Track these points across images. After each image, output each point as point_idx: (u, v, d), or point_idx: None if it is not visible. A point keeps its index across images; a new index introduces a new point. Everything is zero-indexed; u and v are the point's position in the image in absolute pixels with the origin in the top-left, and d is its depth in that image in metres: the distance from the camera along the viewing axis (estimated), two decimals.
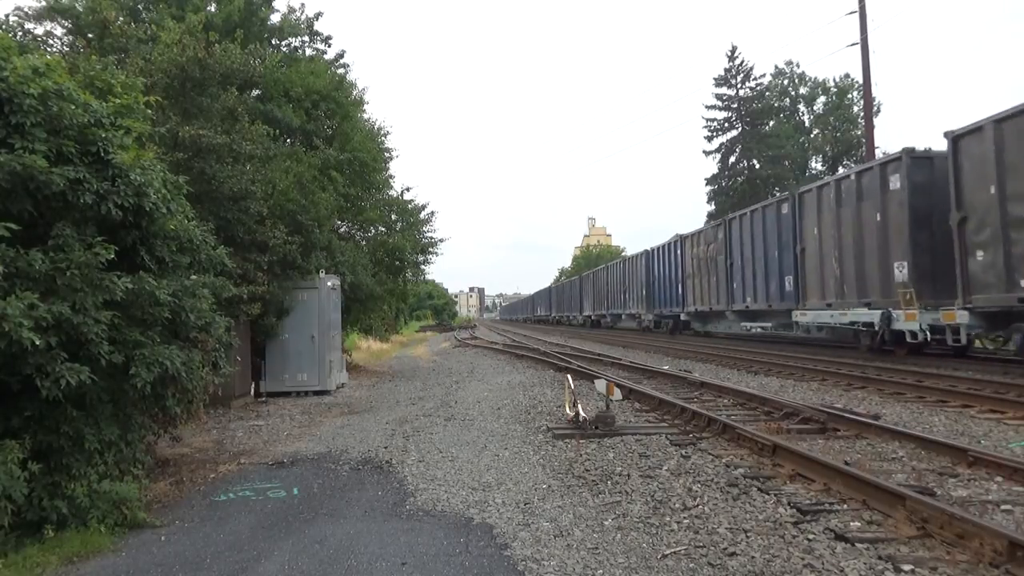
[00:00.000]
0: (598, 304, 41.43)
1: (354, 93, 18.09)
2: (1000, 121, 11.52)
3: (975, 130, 12.09)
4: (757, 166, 50.16)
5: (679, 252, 27.04)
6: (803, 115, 54.31)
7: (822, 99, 52.81)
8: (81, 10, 13.15)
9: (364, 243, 18.75)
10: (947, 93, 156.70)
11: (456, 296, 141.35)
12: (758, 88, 51.85)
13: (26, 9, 13.21)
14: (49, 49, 12.38)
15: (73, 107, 5.28)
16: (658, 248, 30.07)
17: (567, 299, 55.36)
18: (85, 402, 5.13)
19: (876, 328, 14.16)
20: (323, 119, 16.23)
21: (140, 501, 5.39)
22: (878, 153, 23.14)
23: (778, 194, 31.18)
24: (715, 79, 51.81)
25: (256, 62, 12.54)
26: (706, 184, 53.04)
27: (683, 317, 26.50)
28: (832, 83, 51.85)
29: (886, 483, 4.98)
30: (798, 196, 17.91)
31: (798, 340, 21.42)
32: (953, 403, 9.13)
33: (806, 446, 6.64)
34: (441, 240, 22.53)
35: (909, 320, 13.02)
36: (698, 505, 5.10)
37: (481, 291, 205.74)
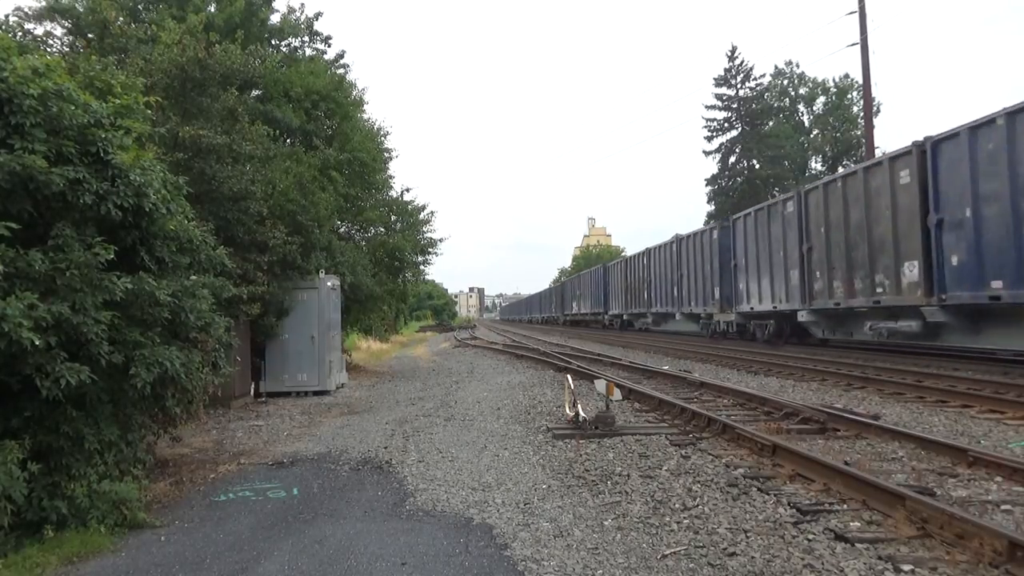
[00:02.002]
0: (782, 287, 17.70)
1: (354, 93, 18.11)
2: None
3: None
4: (757, 166, 50.21)
5: None
6: (803, 115, 54.42)
7: (822, 99, 52.94)
8: (81, 10, 13.16)
9: (364, 243, 18.76)
10: (947, 93, 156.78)
11: (456, 296, 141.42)
12: (758, 88, 51.96)
13: (26, 9, 13.25)
14: (49, 49, 12.37)
15: (73, 107, 5.29)
16: None
17: (653, 281, 28.78)
18: (85, 402, 5.13)
19: None
20: (323, 119, 16.25)
21: (140, 501, 5.38)
22: (878, 153, 22.90)
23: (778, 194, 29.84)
24: (715, 79, 51.97)
25: (256, 62, 12.54)
26: (706, 184, 53.17)
27: None
28: (832, 83, 51.98)
29: (886, 483, 4.98)
30: None
31: None
32: (953, 403, 9.13)
33: (806, 446, 6.64)
34: (441, 240, 22.55)
35: None
36: (698, 505, 5.10)
37: (481, 291, 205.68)
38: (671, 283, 26.49)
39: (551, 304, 60.60)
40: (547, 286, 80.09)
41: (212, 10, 15.35)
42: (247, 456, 7.77)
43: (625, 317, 34.36)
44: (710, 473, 5.98)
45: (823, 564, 3.90)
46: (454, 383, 15.01)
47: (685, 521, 4.77)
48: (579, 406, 8.26)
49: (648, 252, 30.15)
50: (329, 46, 18.53)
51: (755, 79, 51.50)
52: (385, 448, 7.79)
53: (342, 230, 17.90)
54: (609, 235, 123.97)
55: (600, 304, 39.36)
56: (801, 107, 54.31)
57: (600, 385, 8.82)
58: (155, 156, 6.66)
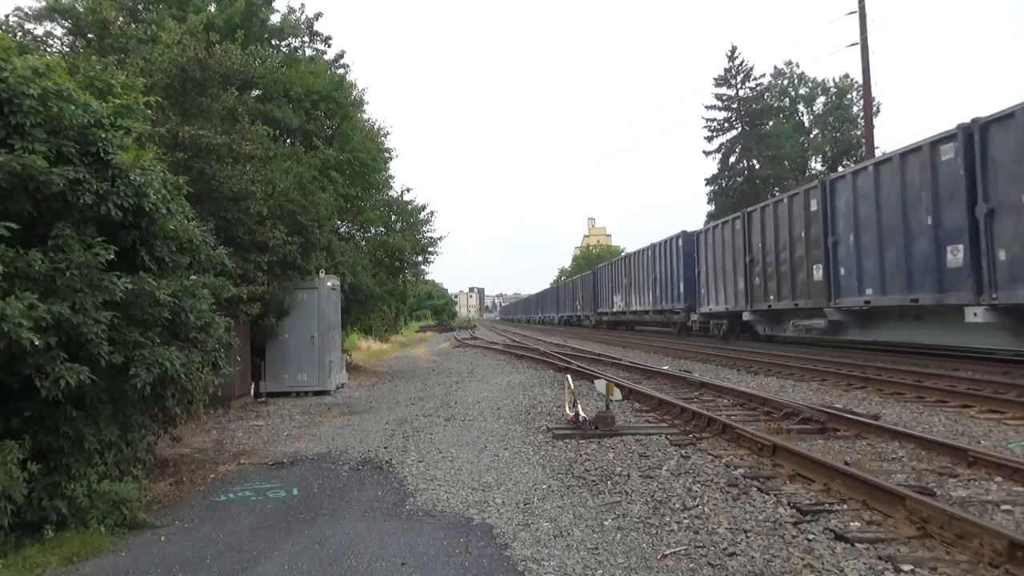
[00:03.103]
0: None
1: (354, 93, 18.11)
2: None
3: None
4: (757, 166, 50.21)
5: None
6: (803, 115, 54.38)
7: (822, 99, 52.91)
8: (81, 10, 13.16)
9: (364, 243, 18.77)
10: (947, 93, 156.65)
11: (456, 296, 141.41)
12: (758, 88, 51.94)
13: (26, 9, 13.23)
14: (49, 49, 12.38)
15: (73, 107, 5.29)
16: None
17: (841, 244, 14.58)
18: (85, 402, 5.13)
19: None
20: (323, 119, 16.25)
21: (140, 501, 5.38)
22: (877, 153, 22.91)
23: (778, 194, 28.96)
24: (715, 79, 51.93)
25: (256, 63, 12.55)
26: (706, 184, 53.12)
27: None
28: (832, 83, 51.94)
29: (886, 483, 4.98)
30: None
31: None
32: (953, 403, 9.13)
33: (806, 446, 6.63)
34: (440, 238, 22.55)
35: None
36: (698, 505, 5.10)
37: (481, 291, 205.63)
38: (921, 243, 12.46)
39: (572, 300, 46.25)
40: (547, 286, 78.81)
41: (212, 10, 15.33)
42: (247, 456, 7.77)
43: (746, 317, 19.74)
44: (710, 473, 5.98)
45: (823, 564, 3.90)
46: (454, 383, 15.01)
47: (685, 521, 4.77)
48: (579, 406, 8.26)
49: (824, 186, 15.50)
50: (329, 46, 18.56)
51: (755, 79, 51.52)
52: (385, 448, 7.79)
53: (342, 230, 17.90)
54: (609, 235, 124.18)
55: (674, 297, 25.07)
56: (801, 107, 54.29)
57: (600, 385, 8.82)
58: (155, 156, 6.67)
